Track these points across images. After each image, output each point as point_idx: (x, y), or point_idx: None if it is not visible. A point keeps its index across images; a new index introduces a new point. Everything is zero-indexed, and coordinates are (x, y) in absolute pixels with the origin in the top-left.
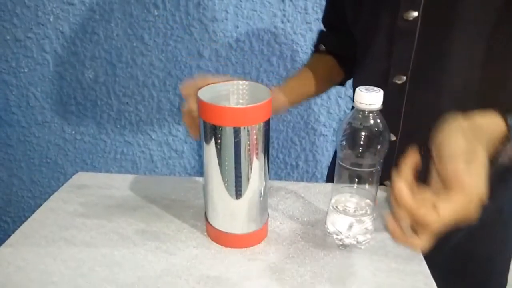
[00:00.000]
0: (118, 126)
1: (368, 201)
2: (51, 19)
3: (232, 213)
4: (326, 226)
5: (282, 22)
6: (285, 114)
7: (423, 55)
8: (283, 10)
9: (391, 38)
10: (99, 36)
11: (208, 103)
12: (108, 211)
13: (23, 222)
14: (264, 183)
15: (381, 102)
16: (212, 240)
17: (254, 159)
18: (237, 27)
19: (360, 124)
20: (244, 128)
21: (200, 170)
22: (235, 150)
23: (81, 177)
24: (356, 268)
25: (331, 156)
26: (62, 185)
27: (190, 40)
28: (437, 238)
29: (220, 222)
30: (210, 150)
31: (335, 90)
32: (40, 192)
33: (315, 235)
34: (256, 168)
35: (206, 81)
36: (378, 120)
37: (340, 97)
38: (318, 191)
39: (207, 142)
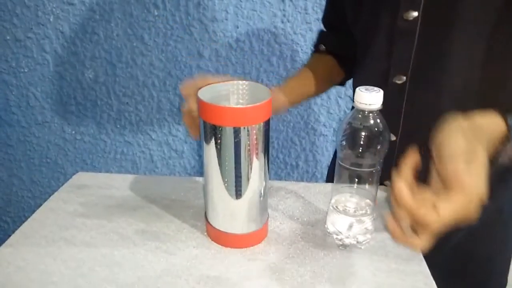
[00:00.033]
0: (118, 126)
1: (368, 201)
2: (51, 19)
3: (232, 213)
4: (326, 226)
5: (282, 22)
6: (285, 114)
7: (423, 55)
8: (283, 10)
9: (391, 38)
10: (99, 36)
11: (208, 103)
12: (108, 211)
13: (23, 222)
14: (264, 183)
15: (381, 102)
16: (212, 240)
17: (254, 159)
18: (237, 27)
19: (360, 124)
20: (244, 128)
21: (200, 170)
22: (235, 150)
23: (81, 177)
24: (356, 268)
25: (331, 156)
26: (62, 185)
27: (190, 40)
28: (437, 238)
29: (220, 222)
30: (210, 150)
31: (335, 90)
32: (40, 192)
33: (315, 235)
34: (256, 168)
35: (206, 81)
36: (378, 120)
37: (340, 97)
38: (318, 191)
39: (207, 142)
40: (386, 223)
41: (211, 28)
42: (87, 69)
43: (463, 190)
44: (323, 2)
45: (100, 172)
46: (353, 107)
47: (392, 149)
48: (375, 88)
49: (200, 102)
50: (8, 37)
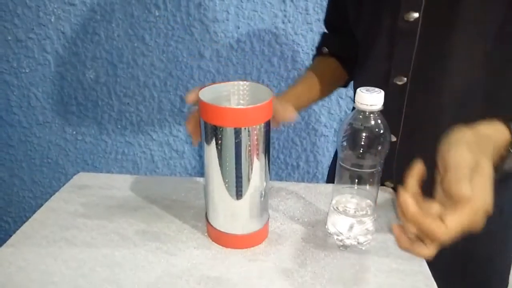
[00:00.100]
0: (119, 126)
1: (368, 201)
2: (52, 20)
3: (232, 213)
4: (326, 227)
5: (283, 22)
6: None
7: (424, 56)
8: (284, 10)
9: (392, 39)
10: (100, 36)
11: (209, 103)
12: (109, 211)
13: (24, 222)
14: (264, 183)
15: (382, 103)
16: (213, 240)
17: (255, 159)
18: (238, 28)
19: (361, 125)
20: (245, 128)
21: (200, 171)
22: (235, 151)
23: (82, 178)
24: (356, 268)
25: (332, 156)
26: (63, 185)
27: (191, 41)
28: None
29: (221, 222)
30: (211, 150)
31: (336, 91)
32: (41, 192)
33: (315, 235)
34: (256, 169)
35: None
36: (379, 121)
37: (341, 98)
38: (319, 192)
39: (208, 142)
40: (393, 231)
41: (212, 28)
42: (88, 70)
43: (469, 202)
44: (324, 3)
45: (101, 172)
46: (354, 108)
47: (392, 150)
48: (376, 89)
49: (201, 103)
50: (9, 38)
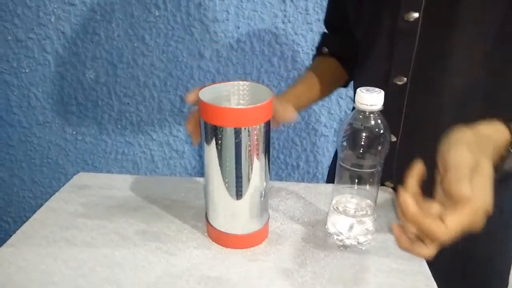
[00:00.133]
0: (119, 126)
1: (368, 201)
2: (52, 20)
3: (232, 213)
4: (326, 227)
5: (283, 22)
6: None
7: (424, 56)
8: (284, 10)
9: (392, 39)
10: (100, 36)
11: (209, 103)
12: (109, 211)
13: (24, 222)
14: (264, 183)
15: (382, 103)
16: (213, 240)
17: (255, 159)
18: (238, 28)
19: (361, 125)
20: (245, 128)
21: (200, 171)
22: (235, 151)
23: (82, 178)
24: (356, 268)
25: (332, 156)
26: (63, 185)
27: (191, 41)
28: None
29: (221, 222)
30: (211, 150)
31: (336, 91)
32: (41, 192)
33: (315, 235)
34: (256, 169)
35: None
36: (379, 121)
37: (341, 98)
38: (319, 192)
39: (208, 142)
40: (393, 231)
41: (212, 28)
42: (88, 70)
43: (470, 202)
44: (324, 3)
45: (101, 172)
46: (354, 108)
47: (392, 150)
48: (376, 89)
49: (201, 103)
50: (9, 38)
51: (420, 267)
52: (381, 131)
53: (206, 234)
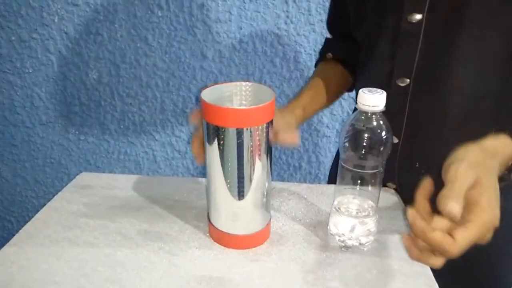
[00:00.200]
0: (122, 126)
1: (370, 202)
2: (55, 20)
3: (234, 214)
4: (328, 227)
5: (286, 23)
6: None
7: (427, 57)
8: (287, 11)
9: (395, 40)
10: (103, 37)
11: (211, 104)
12: (111, 211)
13: (27, 222)
14: (266, 184)
15: (384, 104)
16: (215, 241)
17: (257, 160)
18: (241, 28)
19: (363, 126)
20: (247, 129)
21: (203, 171)
22: (237, 151)
23: (85, 177)
24: (358, 269)
25: (334, 157)
26: (66, 185)
27: (194, 41)
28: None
29: (223, 223)
30: (213, 151)
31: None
32: (44, 192)
33: (317, 236)
34: (258, 169)
35: None
36: (381, 122)
37: (343, 99)
38: (320, 193)
39: (210, 143)
40: (403, 242)
41: (215, 29)
42: (91, 70)
43: (478, 219)
44: (327, 4)
45: (103, 172)
46: (356, 109)
47: (394, 151)
48: (378, 90)
49: (203, 103)
50: (13, 38)
51: (422, 268)
52: (383, 132)
53: (208, 234)
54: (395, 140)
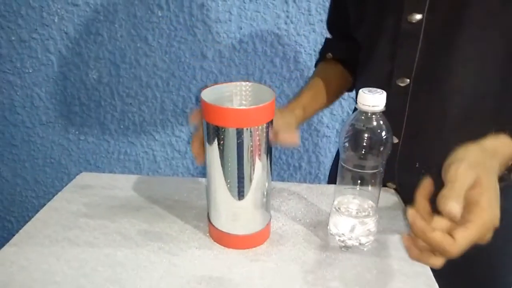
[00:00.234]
0: (122, 126)
1: (370, 202)
2: (55, 20)
3: (234, 214)
4: (328, 227)
5: (286, 23)
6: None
7: (428, 58)
8: (287, 11)
9: (394, 40)
10: (103, 37)
11: (211, 104)
12: (111, 211)
13: (27, 221)
14: (266, 184)
15: (384, 104)
16: (215, 241)
17: (257, 160)
18: (241, 28)
19: (363, 126)
20: (247, 129)
21: (203, 171)
22: (237, 151)
23: (85, 177)
24: (358, 269)
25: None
26: (66, 185)
27: (194, 41)
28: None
29: (223, 223)
30: (213, 151)
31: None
32: (44, 192)
33: (317, 236)
34: (258, 169)
35: None
36: (381, 122)
37: (343, 99)
38: (320, 193)
39: (210, 143)
40: (403, 242)
41: (215, 29)
42: (91, 70)
43: (478, 220)
44: (327, 4)
45: (103, 172)
46: (356, 109)
47: (394, 151)
48: (378, 90)
49: (203, 103)
50: (13, 38)
51: (422, 268)
52: (383, 132)
53: (208, 234)
54: (395, 140)
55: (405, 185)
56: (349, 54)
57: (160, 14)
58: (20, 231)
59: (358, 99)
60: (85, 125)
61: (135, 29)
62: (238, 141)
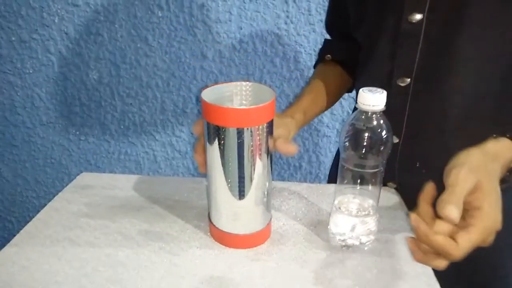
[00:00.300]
0: (122, 127)
1: (371, 202)
2: (56, 21)
3: (235, 213)
4: (329, 227)
5: (286, 23)
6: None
7: (428, 57)
8: (287, 11)
9: (395, 40)
10: (103, 37)
11: (211, 104)
12: (112, 211)
13: (28, 222)
14: (267, 183)
15: (384, 103)
16: (215, 240)
17: (257, 159)
18: (241, 28)
19: (363, 125)
20: (247, 129)
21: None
22: (238, 151)
23: (85, 178)
24: (359, 269)
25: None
26: (66, 185)
27: (194, 41)
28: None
29: (223, 222)
30: (214, 151)
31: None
32: (45, 192)
33: (318, 236)
34: (259, 169)
35: None
36: (381, 121)
37: (344, 98)
38: (321, 192)
39: (211, 143)
40: (407, 244)
41: (215, 29)
42: (91, 70)
43: (481, 223)
44: (327, 4)
45: (104, 172)
46: (356, 108)
47: (394, 151)
48: (379, 89)
49: (203, 103)
50: (13, 38)
51: (423, 268)
52: (384, 132)
53: (208, 234)
54: (396, 140)
55: (405, 184)
56: (348, 54)
57: (160, 15)
58: (21, 231)
59: (358, 98)
60: (86, 125)
61: (135, 29)
62: (239, 141)
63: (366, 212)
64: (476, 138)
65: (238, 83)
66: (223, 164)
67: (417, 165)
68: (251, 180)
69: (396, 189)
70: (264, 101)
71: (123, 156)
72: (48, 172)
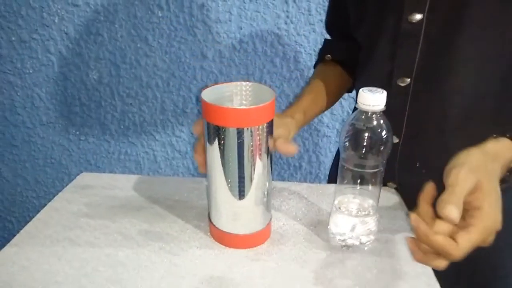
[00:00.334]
0: (122, 127)
1: (371, 202)
2: (56, 21)
3: (235, 213)
4: (329, 227)
5: (286, 23)
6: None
7: (428, 57)
8: (287, 11)
9: (395, 40)
10: (103, 37)
11: (211, 104)
12: (111, 211)
13: (28, 222)
14: (267, 183)
15: (384, 103)
16: (215, 240)
17: (257, 159)
18: (241, 28)
19: (363, 125)
20: (247, 129)
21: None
22: (238, 151)
23: (85, 178)
24: (359, 269)
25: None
26: (66, 185)
27: (194, 41)
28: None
29: (223, 222)
30: (214, 151)
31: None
32: (45, 192)
33: (318, 235)
34: (259, 169)
35: None
36: (381, 121)
37: (344, 98)
38: (321, 192)
39: (211, 143)
40: (408, 244)
41: (215, 29)
42: (91, 70)
43: (481, 223)
44: (327, 4)
45: (104, 172)
46: (356, 108)
47: (394, 151)
48: (379, 89)
49: (203, 103)
50: (13, 38)
51: (423, 268)
52: (384, 132)
53: (208, 234)
54: (396, 140)
55: (405, 184)
56: (348, 54)
57: (160, 15)
58: (21, 231)
59: (358, 98)
60: (86, 126)
61: (135, 29)
62: (239, 141)
63: (366, 212)
64: (476, 138)
65: (238, 83)
66: (223, 164)
67: (417, 165)
68: (251, 180)
69: (396, 189)
70: (264, 101)
71: (123, 156)
72: (48, 172)
